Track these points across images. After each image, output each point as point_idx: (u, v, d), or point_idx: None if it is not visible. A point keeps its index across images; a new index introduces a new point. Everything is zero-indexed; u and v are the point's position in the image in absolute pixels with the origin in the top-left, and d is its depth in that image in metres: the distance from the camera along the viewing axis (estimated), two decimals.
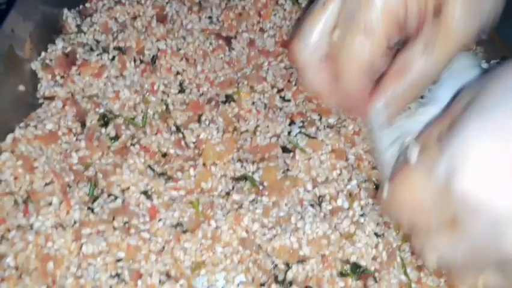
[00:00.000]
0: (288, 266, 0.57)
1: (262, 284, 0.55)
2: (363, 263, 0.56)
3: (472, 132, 0.38)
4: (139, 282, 0.54)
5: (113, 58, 0.70)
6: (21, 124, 0.64)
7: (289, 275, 0.56)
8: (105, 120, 0.66)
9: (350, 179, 0.63)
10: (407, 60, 0.50)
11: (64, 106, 0.66)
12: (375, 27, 0.48)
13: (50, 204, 0.58)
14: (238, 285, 0.55)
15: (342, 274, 0.56)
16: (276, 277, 0.56)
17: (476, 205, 0.37)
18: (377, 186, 0.62)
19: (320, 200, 0.62)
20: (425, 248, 0.44)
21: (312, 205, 0.61)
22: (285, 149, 0.66)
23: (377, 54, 0.49)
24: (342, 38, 0.50)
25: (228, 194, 0.64)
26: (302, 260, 0.57)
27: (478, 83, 0.46)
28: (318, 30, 0.52)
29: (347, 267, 0.57)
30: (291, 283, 0.55)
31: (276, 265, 0.57)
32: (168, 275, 0.56)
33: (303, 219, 0.59)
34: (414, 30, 0.49)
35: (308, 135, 0.66)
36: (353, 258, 0.57)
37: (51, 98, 0.67)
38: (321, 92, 0.56)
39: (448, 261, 0.43)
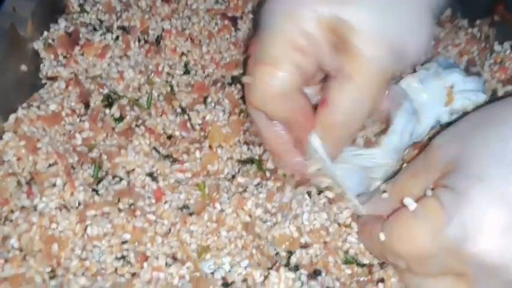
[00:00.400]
0: (290, 253, 0.56)
1: (270, 268, 0.54)
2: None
3: (480, 199, 0.41)
4: (145, 264, 0.53)
5: (117, 38, 0.69)
6: (24, 104, 0.63)
7: (293, 259, 0.55)
8: (109, 101, 0.64)
9: None
10: (328, 92, 0.51)
11: (67, 87, 0.65)
12: (278, 56, 0.50)
13: (54, 185, 0.57)
14: (245, 267, 0.54)
15: (347, 261, 0.55)
16: (280, 262, 0.55)
17: (492, 267, 0.40)
18: None
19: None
20: (422, 286, 0.47)
21: (316, 193, 0.60)
22: None
23: (290, 80, 0.50)
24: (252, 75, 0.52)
25: (233, 177, 0.63)
26: (304, 246, 0.56)
27: (465, 129, 0.48)
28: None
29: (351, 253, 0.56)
30: (297, 267, 0.54)
31: (277, 252, 0.56)
32: (174, 258, 0.55)
33: (307, 206, 0.58)
34: (327, 60, 0.50)
35: None
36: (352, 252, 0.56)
37: (54, 79, 0.66)
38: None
39: None
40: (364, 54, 0.48)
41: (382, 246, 0.48)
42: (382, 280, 0.53)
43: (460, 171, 0.44)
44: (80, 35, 0.68)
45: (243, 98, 0.68)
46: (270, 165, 0.62)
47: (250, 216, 0.57)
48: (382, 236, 0.47)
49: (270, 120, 0.55)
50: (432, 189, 0.46)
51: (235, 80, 0.69)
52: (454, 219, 0.42)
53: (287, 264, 0.54)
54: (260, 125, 0.57)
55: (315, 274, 0.53)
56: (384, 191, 0.54)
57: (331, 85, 0.51)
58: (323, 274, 0.53)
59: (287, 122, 0.54)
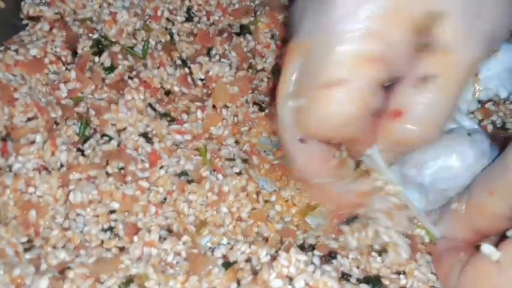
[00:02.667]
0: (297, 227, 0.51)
1: (278, 249, 0.47)
2: None
3: None
4: (135, 238, 0.47)
5: None
6: (0, 47, 0.55)
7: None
8: (99, 47, 0.57)
9: None
10: (400, 100, 0.44)
11: (51, 29, 0.57)
12: (349, 76, 0.41)
13: (33, 142, 0.49)
14: (249, 245, 0.48)
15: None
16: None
17: None
18: None
19: None
20: None
21: None
22: None
23: (361, 101, 0.42)
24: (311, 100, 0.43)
25: (238, 142, 0.57)
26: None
27: None
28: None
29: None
30: (312, 246, 0.48)
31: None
32: (170, 230, 0.49)
33: None
34: (403, 66, 0.43)
35: None
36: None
37: (36, 19, 0.58)
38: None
39: None
40: (455, 49, 0.41)
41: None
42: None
43: None
44: None
45: (251, 51, 0.60)
46: None
47: (257, 193, 0.51)
48: None
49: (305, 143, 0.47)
50: None
51: (244, 29, 0.62)
52: None
53: (299, 245, 0.48)
54: (293, 149, 0.48)
55: (330, 257, 0.47)
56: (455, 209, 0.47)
57: (405, 92, 0.43)
58: (339, 257, 0.47)
59: (345, 142, 0.47)
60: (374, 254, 0.47)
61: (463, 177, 0.48)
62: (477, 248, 0.40)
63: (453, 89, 0.43)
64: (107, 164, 0.50)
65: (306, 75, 0.44)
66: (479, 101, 0.58)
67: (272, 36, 0.61)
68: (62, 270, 0.44)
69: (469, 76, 0.44)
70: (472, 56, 0.42)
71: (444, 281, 0.46)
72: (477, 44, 0.42)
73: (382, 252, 0.47)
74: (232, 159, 0.55)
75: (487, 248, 0.39)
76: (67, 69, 0.56)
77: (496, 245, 0.39)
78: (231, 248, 0.48)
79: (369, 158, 0.48)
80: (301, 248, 0.48)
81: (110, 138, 0.52)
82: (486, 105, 0.58)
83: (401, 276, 0.46)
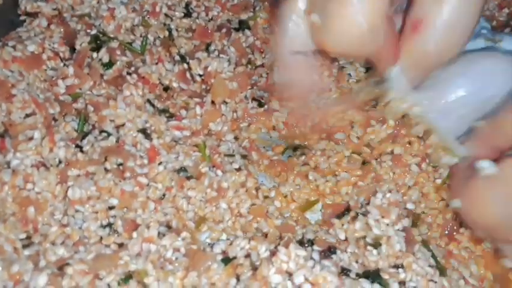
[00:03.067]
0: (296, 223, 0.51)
1: (278, 244, 0.47)
2: None
3: None
4: (134, 234, 0.46)
5: None
6: None
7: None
8: (97, 43, 0.56)
9: None
10: (419, 11, 0.42)
11: (49, 25, 0.57)
12: None
13: (31, 139, 0.49)
14: (249, 241, 0.48)
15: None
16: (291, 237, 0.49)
17: None
18: None
19: None
20: None
21: None
22: None
23: (376, 11, 0.41)
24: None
25: (237, 138, 0.57)
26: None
27: None
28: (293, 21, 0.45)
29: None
30: (311, 242, 0.48)
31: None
32: (169, 226, 0.49)
33: None
34: None
35: None
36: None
37: (34, 15, 0.58)
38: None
39: None
40: None
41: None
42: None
43: None
44: None
45: (250, 46, 0.60)
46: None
47: (256, 189, 0.51)
48: (455, 203, 0.43)
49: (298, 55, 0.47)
50: None
51: (243, 24, 0.61)
52: None
53: (298, 240, 0.48)
54: (285, 61, 0.48)
55: (329, 252, 0.47)
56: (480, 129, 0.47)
57: (423, 2, 0.42)
58: (338, 252, 0.47)
59: (367, 59, 0.46)
60: (369, 247, 0.47)
61: (490, 101, 0.47)
62: None
63: (469, 2, 0.41)
64: (105, 160, 0.49)
65: None
66: None
67: (271, 32, 0.61)
68: (61, 266, 0.43)
69: None
70: None
71: (453, 195, 0.46)
72: None
73: (377, 245, 0.47)
74: (232, 155, 0.54)
75: (485, 163, 0.40)
76: (65, 65, 0.55)
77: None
78: (230, 244, 0.47)
79: (392, 79, 0.47)
80: (301, 243, 0.47)
81: (109, 134, 0.51)
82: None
83: (400, 270, 0.46)
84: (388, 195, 0.49)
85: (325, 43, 0.44)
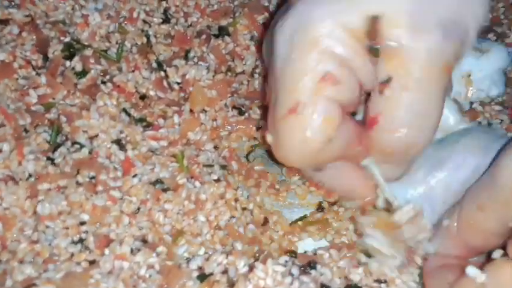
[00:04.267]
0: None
1: (256, 259, 0.46)
2: None
3: None
4: (106, 250, 0.45)
5: None
6: None
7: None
8: (71, 51, 0.55)
9: None
10: (373, 108, 0.42)
11: (21, 32, 0.55)
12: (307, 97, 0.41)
13: None
14: (227, 256, 0.46)
15: None
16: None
17: None
18: None
19: None
20: None
21: None
22: None
23: (331, 125, 0.41)
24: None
25: (217, 147, 0.55)
26: None
27: None
28: None
29: None
30: (294, 254, 0.47)
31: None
32: (144, 241, 0.47)
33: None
34: (364, 76, 0.42)
35: None
36: None
37: (5, 22, 0.56)
38: None
39: None
40: (405, 45, 0.39)
41: None
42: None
43: None
44: None
45: (230, 53, 0.59)
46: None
47: (236, 200, 0.50)
48: None
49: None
50: (504, 248, 0.38)
51: (222, 31, 0.60)
52: None
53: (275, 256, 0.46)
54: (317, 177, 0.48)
55: (309, 267, 0.45)
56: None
57: (374, 100, 0.42)
58: (318, 267, 0.45)
59: (340, 159, 0.45)
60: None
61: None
62: (463, 270, 0.38)
63: (414, 86, 0.40)
64: (77, 173, 0.48)
65: (273, 105, 0.43)
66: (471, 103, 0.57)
67: (251, 38, 0.60)
68: (28, 286, 0.42)
69: (441, 74, 0.41)
70: (425, 49, 0.40)
71: None
72: (430, 35, 0.39)
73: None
74: (211, 166, 0.53)
75: (471, 270, 0.37)
76: (37, 74, 0.54)
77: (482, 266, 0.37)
78: (207, 259, 0.46)
79: (368, 169, 0.46)
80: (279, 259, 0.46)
81: (82, 146, 0.50)
82: (473, 106, 0.57)
83: (382, 285, 0.45)
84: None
85: (287, 161, 0.44)
